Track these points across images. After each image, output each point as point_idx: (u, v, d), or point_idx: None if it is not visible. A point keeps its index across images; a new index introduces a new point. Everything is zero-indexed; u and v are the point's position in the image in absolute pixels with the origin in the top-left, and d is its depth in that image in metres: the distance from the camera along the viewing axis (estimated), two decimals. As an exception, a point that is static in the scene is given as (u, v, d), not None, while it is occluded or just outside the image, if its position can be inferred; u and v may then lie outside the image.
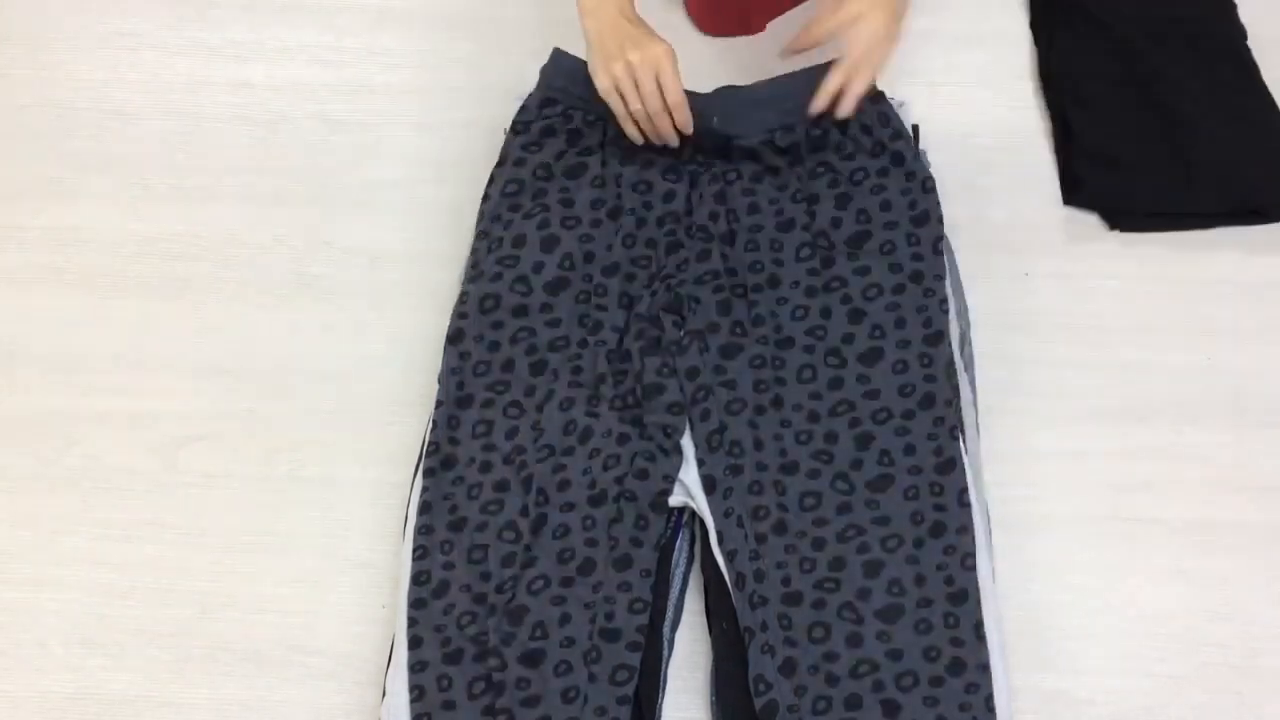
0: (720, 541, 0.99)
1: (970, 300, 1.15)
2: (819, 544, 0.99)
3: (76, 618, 1.05)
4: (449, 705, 0.94)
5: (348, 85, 1.35)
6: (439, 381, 1.08)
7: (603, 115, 1.14)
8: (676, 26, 1.35)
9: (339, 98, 1.34)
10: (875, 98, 1.15)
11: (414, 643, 0.97)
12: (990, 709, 0.92)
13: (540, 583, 0.98)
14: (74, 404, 1.16)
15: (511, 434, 1.05)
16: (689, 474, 1.03)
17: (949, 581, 0.97)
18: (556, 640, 0.96)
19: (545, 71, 1.19)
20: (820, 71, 1.11)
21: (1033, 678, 1.01)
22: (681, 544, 1.04)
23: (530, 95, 1.19)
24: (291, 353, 1.18)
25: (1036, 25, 1.36)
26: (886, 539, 0.99)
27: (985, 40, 1.36)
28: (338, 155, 1.30)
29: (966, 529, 0.99)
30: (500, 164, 1.17)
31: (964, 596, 0.96)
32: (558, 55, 1.19)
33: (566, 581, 0.98)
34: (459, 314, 1.10)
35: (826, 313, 1.09)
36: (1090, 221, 1.24)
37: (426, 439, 1.06)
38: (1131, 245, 1.22)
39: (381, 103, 1.34)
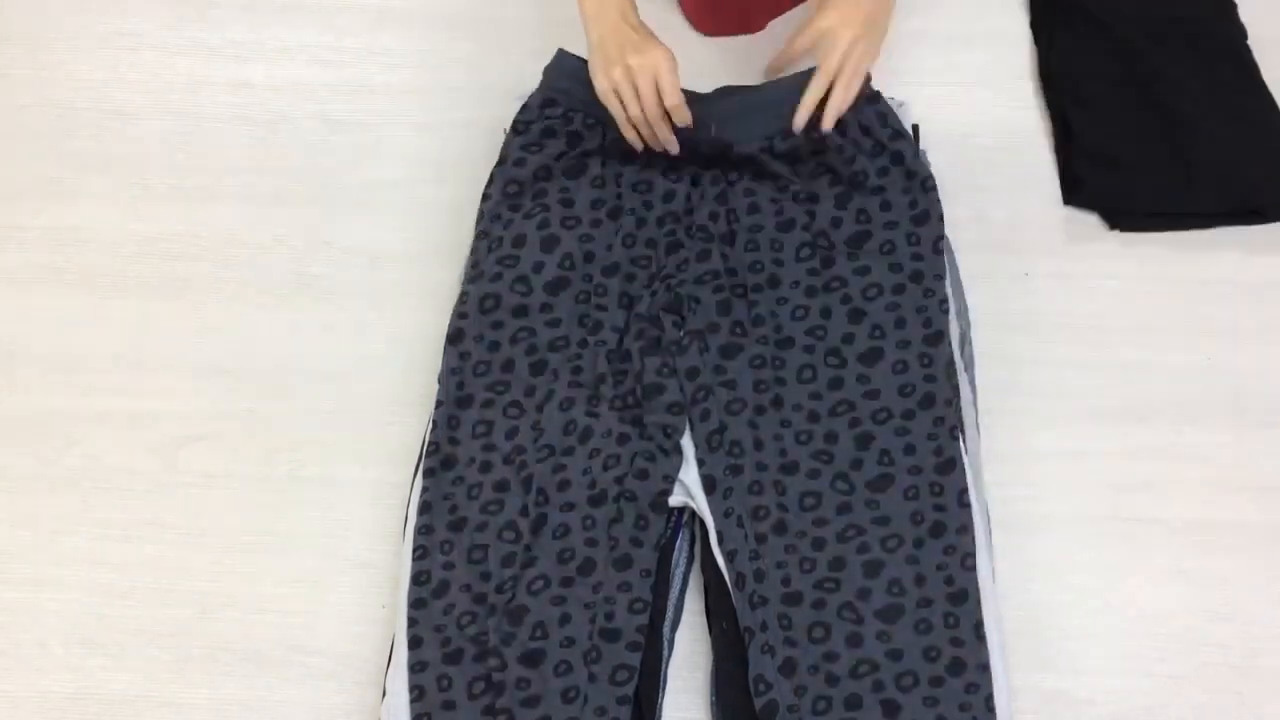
0: (720, 541, 0.99)
1: (970, 300, 1.15)
2: (819, 544, 0.99)
3: (76, 618, 1.06)
4: (449, 705, 0.94)
5: (348, 85, 1.35)
6: (439, 381, 1.08)
7: (603, 119, 1.14)
8: (674, 27, 1.35)
9: (339, 98, 1.34)
10: (872, 98, 1.15)
11: (414, 643, 0.97)
12: (990, 709, 0.92)
13: (540, 583, 0.98)
14: (74, 404, 1.16)
15: (511, 434, 1.05)
16: (689, 474, 1.03)
17: (949, 581, 0.97)
18: (556, 640, 0.96)
19: (548, 71, 1.19)
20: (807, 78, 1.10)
21: (1033, 678, 1.01)
22: (681, 544, 1.04)
23: (532, 95, 1.19)
24: (291, 353, 1.18)
25: (1036, 25, 1.36)
26: (886, 539, 0.99)
27: (985, 40, 1.36)
28: (338, 155, 1.30)
29: (966, 529, 0.99)
30: (500, 163, 1.17)
31: (964, 596, 0.96)
32: (561, 56, 1.19)
33: (566, 581, 0.98)
34: (459, 314, 1.10)
35: (826, 313, 1.09)
36: (1090, 221, 1.24)
37: (426, 439, 1.06)
38: (1131, 245, 1.22)
39: (381, 103, 1.34)
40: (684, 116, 1.08)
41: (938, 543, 0.98)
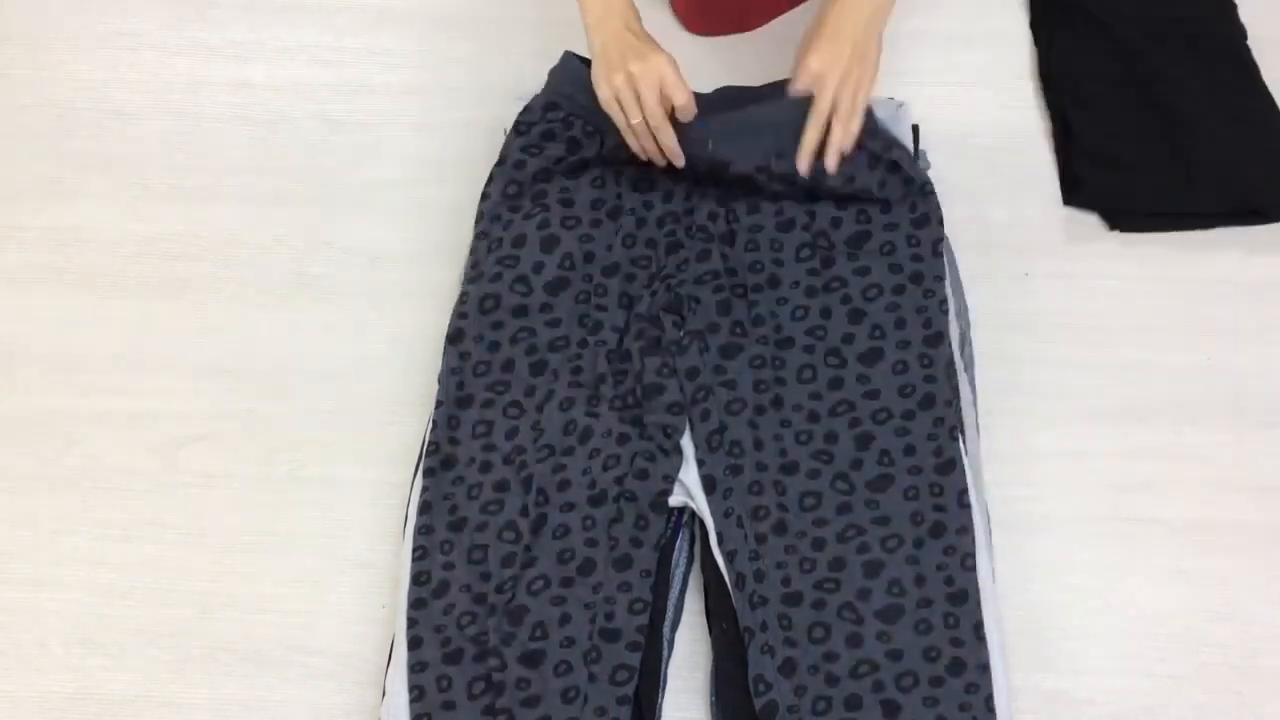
0: (720, 541, 0.99)
1: (970, 300, 1.15)
2: (819, 544, 0.99)
3: (76, 618, 1.06)
4: (449, 705, 0.94)
5: (348, 85, 1.35)
6: (439, 381, 1.08)
7: (602, 128, 1.13)
8: (666, 26, 1.35)
9: (339, 98, 1.34)
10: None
11: (414, 643, 0.97)
12: (990, 709, 0.92)
13: (540, 583, 0.98)
14: (74, 404, 1.16)
15: (511, 434, 1.05)
16: (689, 474, 1.03)
17: (949, 582, 0.97)
18: (556, 640, 0.96)
19: (553, 74, 1.19)
20: (809, 104, 1.09)
21: (1033, 678, 1.00)
22: (681, 544, 1.04)
23: (536, 96, 1.19)
24: (291, 353, 1.18)
25: (1036, 25, 1.36)
26: (886, 539, 0.99)
27: (985, 40, 1.36)
28: (338, 155, 1.30)
29: (966, 529, 0.99)
30: (500, 163, 1.17)
31: (964, 597, 0.96)
32: (567, 59, 1.18)
33: (566, 581, 0.98)
34: (459, 314, 1.10)
35: (826, 313, 1.09)
36: (1090, 221, 1.24)
37: (426, 439, 1.06)
38: (1131, 245, 1.22)
39: (381, 103, 1.34)
40: (690, 112, 1.07)
41: (938, 543, 0.98)
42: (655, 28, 1.12)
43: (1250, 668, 1.01)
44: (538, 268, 1.10)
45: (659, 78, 1.05)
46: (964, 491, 1.00)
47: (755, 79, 1.21)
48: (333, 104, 1.34)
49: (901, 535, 0.99)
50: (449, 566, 1.00)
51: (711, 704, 0.98)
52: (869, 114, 1.13)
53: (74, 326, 1.20)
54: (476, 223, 1.16)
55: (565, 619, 0.97)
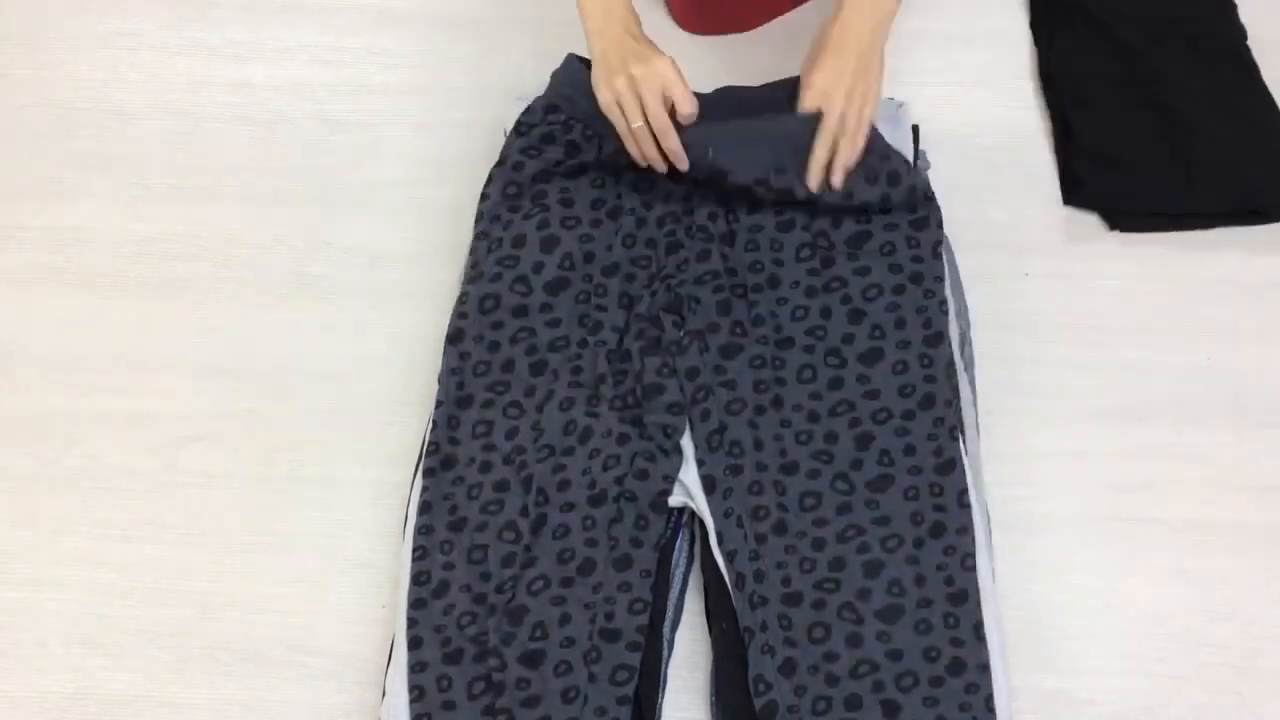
0: (720, 542, 0.99)
1: (970, 300, 1.15)
2: (819, 544, 0.99)
3: (76, 618, 1.05)
4: (449, 705, 0.94)
5: (347, 85, 1.35)
6: (439, 381, 1.08)
7: (602, 132, 1.13)
8: (665, 27, 1.35)
9: (339, 98, 1.34)
10: None
11: (414, 643, 0.97)
12: (990, 709, 0.92)
13: (540, 583, 0.98)
14: (74, 404, 1.16)
15: (511, 434, 1.05)
16: (689, 474, 1.03)
17: (949, 582, 0.97)
18: (556, 640, 0.96)
19: (555, 76, 1.19)
20: (815, 120, 1.09)
21: (1033, 678, 1.00)
22: (681, 544, 1.04)
23: (538, 98, 1.19)
24: (291, 353, 1.18)
25: (1036, 25, 1.36)
26: (886, 539, 0.99)
27: (985, 40, 1.36)
28: (338, 155, 1.30)
29: (966, 529, 0.99)
30: (500, 164, 1.17)
31: (964, 597, 0.96)
32: (570, 61, 1.18)
33: (566, 581, 0.98)
34: (459, 314, 1.10)
35: (826, 313, 1.09)
36: (1090, 221, 1.24)
37: (426, 439, 1.06)
38: (1131, 245, 1.22)
39: (381, 103, 1.34)
40: (693, 116, 1.07)
41: (938, 543, 0.98)
42: (654, 28, 1.12)
43: (1250, 668, 1.01)
44: (538, 268, 1.10)
45: (661, 81, 1.05)
46: (964, 491, 1.00)
47: (755, 79, 1.21)
48: (332, 104, 1.34)
49: (901, 535, 0.99)
50: (449, 566, 1.00)
51: (711, 704, 0.98)
52: (871, 128, 1.13)
53: (74, 326, 1.20)
54: (476, 223, 1.16)
55: (565, 619, 0.97)
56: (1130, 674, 1.01)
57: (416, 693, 0.95)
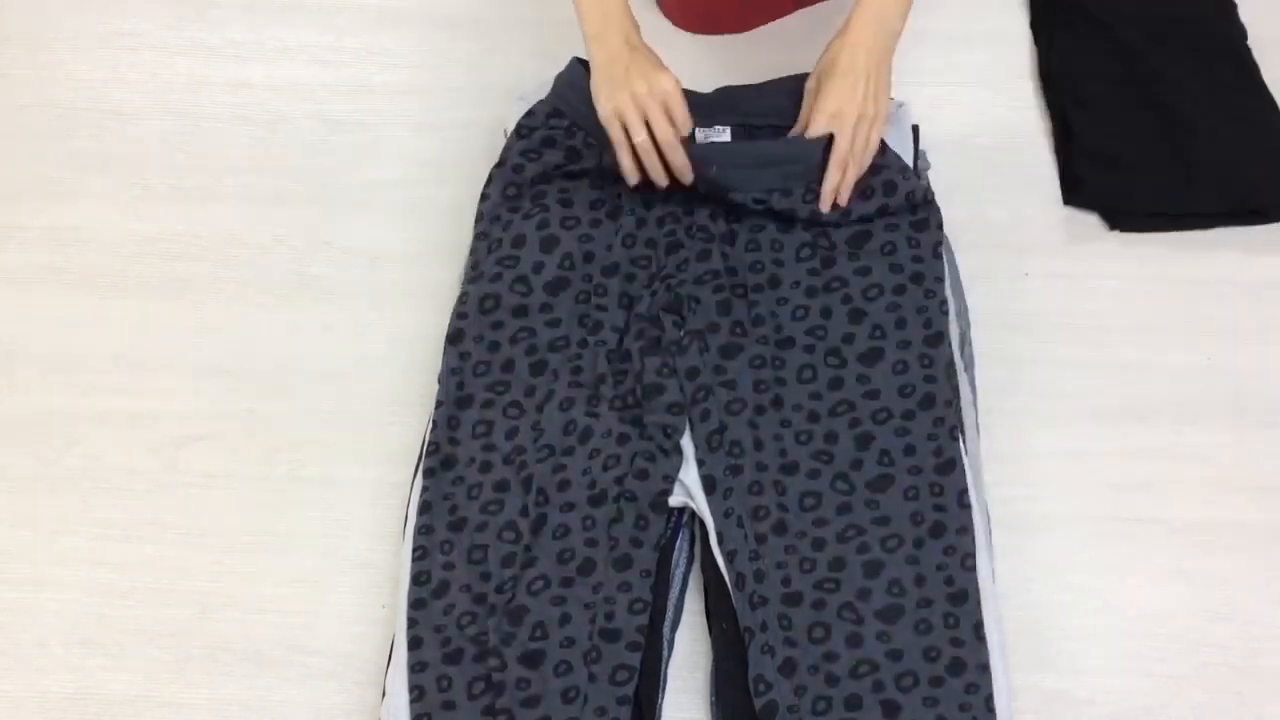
0: (720, 541, 0.99)
1: (970, 300, 1.15)
2: (819, 544, 0.99)
3: (76, 618, 1.05)
4: (449, 705, 0.94)
5: (347, 85, 1.35)
6: (439, 381, 1.08)
7: (604, 141, 1.13)
8: (664, 27, 1.35)
9: (338, 98, 1.34)
10: None
11: (414, 643, 0.97)
12: (990, 709, 0.92)
13: (540, 583, 0.98)
14: (74, 404, 1.16)
15: (511, 434, 1.05)
16: (689, 474, 1.03)
17: (949, 582, 0.97)
18: (556, 640, 0.96)
19: (559, 80, 1.19)
20: (822, 143, 1.09)
21: (1033, 678, 1.00)
22: (681, 544, 1.04)
23: (540, 101, 1.18)
24: (291, 353, 1.18)
25: (1036, 25, 1.36)
26: (886, 539, 0.99)
27: (985, 40, 1.36)
28: (338, 155, 1.30)
29: (966, 529, 0.99)
30: (500, 165, 1.17)
31: (964, 597, 0.96)
32: (573, 65, 1.18)
33: (566, 581, 0.98)
34: (459, 314, 1.10)
35: (827, 313, 1.09)
36: (1090, 221, 1.24)
37: (426, 439, 1.06)
38: (1131, 245, 1.22)
39: (381, 103, 1.34)
40: (685, 120, 1.08)
41: (938, 543, 0.98)
42: (653, 28, 1.12)
43: (1250, 668, 1.01)
44: (538, 268, 1.10)
45: (665, 98, 1.06)
46: (964, 491, 1.00)
47: (755, 79, 1.21)
48: (332, 104, 1.34)
49: (901, 535, 0.99)
50: (449, 566, 1.00)
51: (711, 704, 0.98)
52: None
53: (74, 326, 1.20)
54: (476, 223, 1.16)
55: (565, 619, 0.97)
56: (1130, 674, 1.01)
57: (416, 693, 0.95)
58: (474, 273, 1.13)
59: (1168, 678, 1.01)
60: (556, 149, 1.16)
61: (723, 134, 1.16)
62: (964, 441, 1.03)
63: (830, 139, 1.09)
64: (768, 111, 1.16)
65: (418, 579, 0.99)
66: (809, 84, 1.14)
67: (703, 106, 1.16)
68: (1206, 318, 1.18)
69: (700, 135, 1.15)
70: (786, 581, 0.98)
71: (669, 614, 1.01)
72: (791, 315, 1.09)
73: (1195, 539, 1.07)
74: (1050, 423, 1.12)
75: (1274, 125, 1.26)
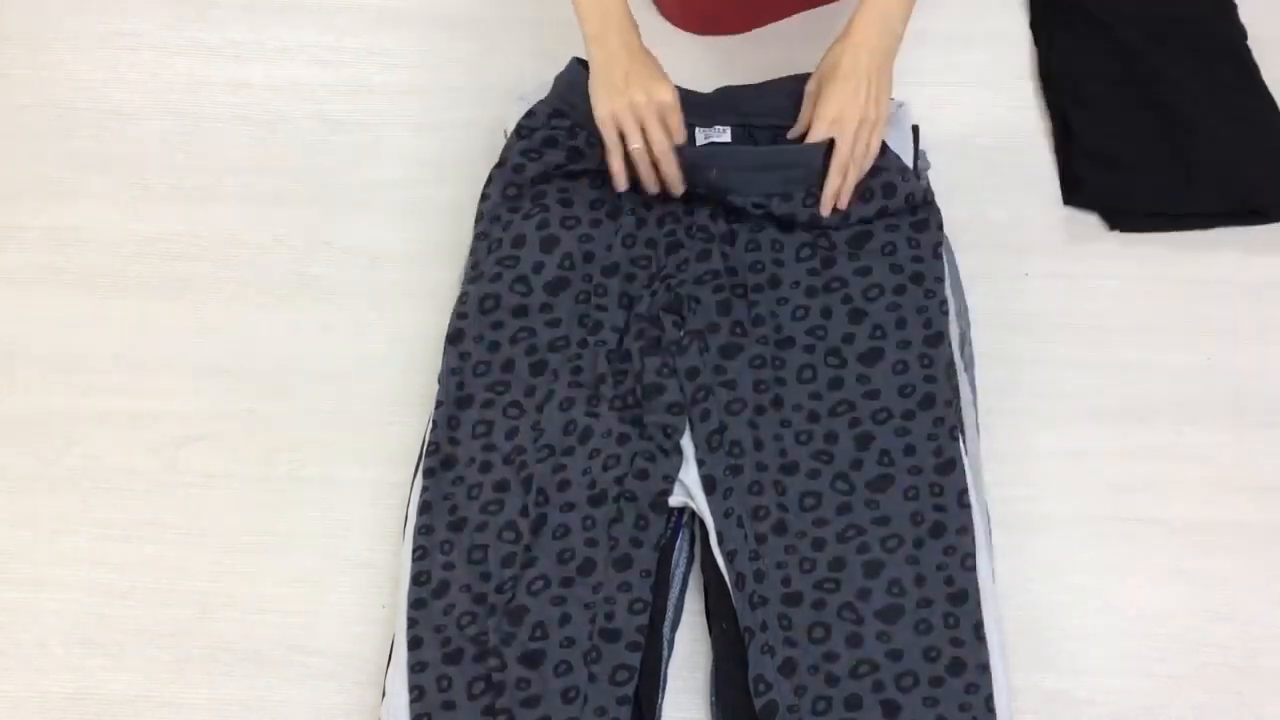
0: (720, 542, 0.99)
1: (970, 300, 1.15)
2: (819, 544, 0.99)
3: (76, 618, 1.05)
4: (449, 705, 0.94)
5: (347, 85, 1.35)
6: (439, 381, 1.08)
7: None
8: (662, 28, 1.35)
9: (338, 98, 1.34)
10: None
11: (414, 643, 0.97)
12: (990, 709, 0.92)
13: (540, 583, 0.98)
14: (74, 404, 1.16)
15: (511, 434, 1.05)
16: (689, 474, 1.03)
17: (949, 582, 0.97)
18: (556, 640, 0.96)
19: (559, 80, 1.18)
20: (823, 147, 1.10)
21: (1033, 678, 1.00)
22: (681, 544, 1.04)
23: (541, 101, 1.18)
24: (291, 353, 1.18)
25: (1036, 25, 1.36)
26: (886, 539, 0.99)
27: (985, 40, 1.36)
28: (338, 155, 1.30)
29: (966, 529, 0.99)
30: (500, 165, 1.17)
31: (964, 597, 0.96)
32: (574, 66, 1.18)
33: (566, 582, 0.98)
34: (459, 314, 1.10)
35: (827, 313, 1.09)
36: (1090, 221, 1.24)
37: (426, 439, 1.06)
38: (1131, 245, 1.22)
39: (381, 103, 1.34)
40: (680, 140, 1.09)
41: (938, 543, 0.98)
42: (651, 29, 1.12)
43: (1250, 668, 1.01)
44: (537, 268, 1.10)
45: (663, 109, 1.06)
46: (964, 491, 1.00)
47: (755, 79, 1.21)
48: (332, 104, 1.34)
49: (901, 535, 0.99)
50: (449, 566, 1.00)
51: (711, 704, 0.98)
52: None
53: (74, 326, 1.20)
54: (476, 223, 1.16)
55: (565, 619, 0.97)
56: (1130, 674, 1.01)
57: (416, 693, 0.95)
58: (474, 273, 1.13)
59: (1168, 678, 1.01)
60: (558, 149, 1.16)
61: (723, 134, 1.16)
62: (964, 441, 1.03)
63: (831, 143, 1.09)
64: (768, 112, 1.16)
65: (418, 579, 0.99)
66: (809, 86, 1.14)
67: (703, 106, 1.16)
68: (1206, 318, 1.18)
69: (700, 135, 1.15)
70: (786, 581, 0.98)
71: (669, 614, 1.01)
72: (791, 315, 1.09)
73: (1195, 539, 1.07)
74: (1050, 423, 1.12)
75: (1274, 125, 1.26)
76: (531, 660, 0.95)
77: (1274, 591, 1.04)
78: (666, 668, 1.00)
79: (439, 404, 1.07)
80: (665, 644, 1.00)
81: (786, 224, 1.12)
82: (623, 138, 1.08)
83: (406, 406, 1.14)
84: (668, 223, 1.13)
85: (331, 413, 1.15)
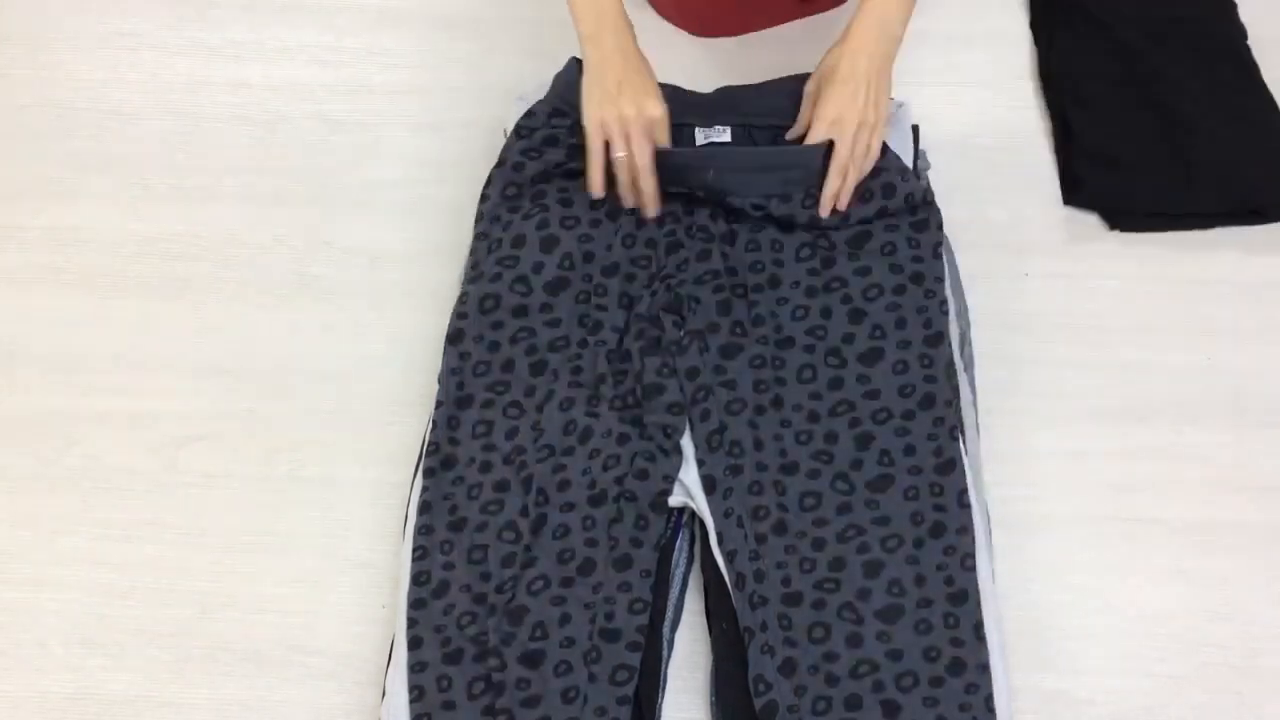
0: (720, 542, 0.99)
1: (970, 300, 1.15)
2: (819, 544, 0.99)
3: (76, 618, 1.05)
4: (449, 705, 0.94)
5: (347, 85, 1.35)
6: (439, 381, 1.08)
7: None
8: (662, 28, 1.35)
9: (338, 98, 1.34)
10: None
11: (414, 643, 0.97)
12: (990, 709, 0.92)
13: (540, 583, 0.98)
14: (74, 404, 1.16)
15: (511, 434, 1.05)
16: (689, 474, 1.03)
17: (949, 582, 0.97)
18: (556, 640, 0.96)
19: (558, 80, 1.18)
20: (822, 149, 1.10)
21: (1033, 678, 1.01)
22: (681, 544, 1.04)
23: (540, 101, 1.18)
24: (291, 353, 1.18)
25: (1036, 25, 1.36)
26: (886, 539, 0.99)
27: (985, 40, 1.36)
28: (338, 155, 1.30)
29: (966, 529, 0.99)
30: (499, 165, 1.17)
31: (964, 597, 0.96)
32: (572, 65, 1.18)
33: (566, 582, 0.98)
34: (459, 314, 1.10)
35: (827, 313, 1.09)
36: (1090, 221, 1.24)
37: (426, 439, 1.06)
38: (1131, 245, 1.22)
39: (381, 103, 1.34)
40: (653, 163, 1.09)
41: (938, 543, 0.98)
42: (652, 29, 1.12)
43: (1250, 668, 1.01)
44: (537, 268, 1.10)
45: (651, 126, 1.07)
46: (964, 491, 1.00)
47: (755, 79, 1.21)
48: (332, 104, 1.34)
49: (901, 535, 0.99)
50: (449, 566, 1.00)
51: (711, 704, 0.98)
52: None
53: (74, 326, 1.20)
54: (476, 223, 1.16)
55: (565, 619, 0.97)
56: (1130, 674, 1.01)
57: (416, 693, 0.95)
58: (474, 273, 1.13)
59: (1168, 678, 1.01)
60: (559, 147, 1.16)
61: (723, 134, 1.16)
62: (964, 441, 1.03)
63: (830, 145, 1.09)
64: (768, 112, 1.16)
65: (418, 579, 0.99)
66: (808, 88, 1.14)
67: (703, 106, 1.16)
68: (1206, 318, 1.18)
69: (700, 135, 1.15)
70: (786, 581, 0.98)
71: (669, 614, 1.01)
72: (791, 315, 1.09)
73: (1195, 539, 1.07)
74: (1050, 423, 1.12)
75: (1274, 125, 1.26)
76: (531, 660, 0.95)
77: (1274, 591, 1.04)
78: (666, 668, 1.00)
79: (439, 404, 1.07)
80: (665, 644, 1.00)
81: (786, 224, 1.12)
82: (607, 145, 1.08)
83: (406, 406, 1.14)
84: (668, 223, 1.13)
85: (331, 413, 1.15)
